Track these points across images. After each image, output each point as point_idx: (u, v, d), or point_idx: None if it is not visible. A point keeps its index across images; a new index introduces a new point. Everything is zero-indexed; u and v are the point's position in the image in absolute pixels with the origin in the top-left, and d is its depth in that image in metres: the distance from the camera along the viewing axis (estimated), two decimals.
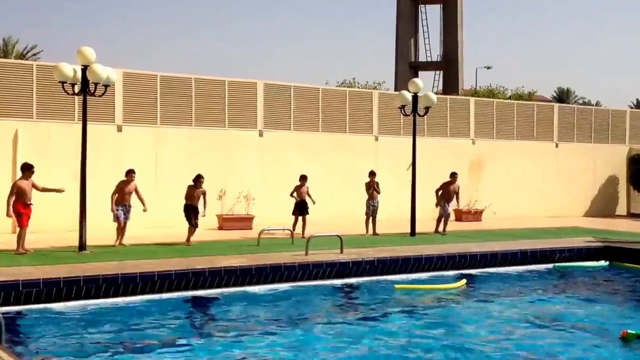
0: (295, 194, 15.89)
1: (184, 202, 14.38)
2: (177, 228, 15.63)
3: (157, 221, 16.50)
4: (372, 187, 16.53)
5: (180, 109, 17.58)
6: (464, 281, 12.32)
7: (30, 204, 12.44)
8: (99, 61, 12.70)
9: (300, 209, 15.78)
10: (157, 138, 17.26)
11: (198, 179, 14.34)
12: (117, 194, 13.66)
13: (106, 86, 13.15)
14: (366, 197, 16.60)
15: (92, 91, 12.83)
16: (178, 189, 17.27)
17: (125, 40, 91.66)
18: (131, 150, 16.89)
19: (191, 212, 14.23)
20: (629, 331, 8.71)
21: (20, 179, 12.51)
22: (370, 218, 16.46)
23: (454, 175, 17.17)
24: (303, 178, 16.06)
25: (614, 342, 8.63)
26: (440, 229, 16.84)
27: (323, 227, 15.51)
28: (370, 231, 16.38)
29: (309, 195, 16.05)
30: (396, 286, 11.66)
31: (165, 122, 17.39)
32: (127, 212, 13.78)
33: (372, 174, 16.64)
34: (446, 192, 16.94)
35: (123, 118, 16.88)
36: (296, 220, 15.81)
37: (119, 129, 16.86)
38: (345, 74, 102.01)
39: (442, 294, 11.51)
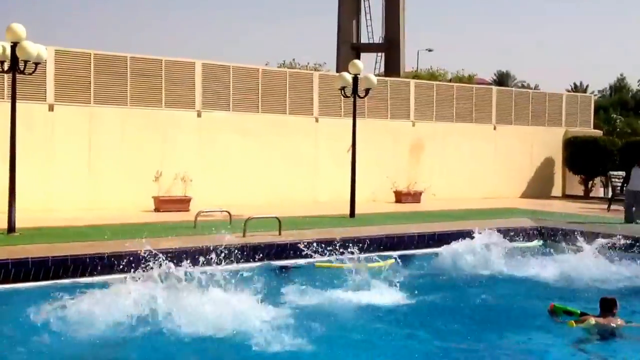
0: None
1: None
2: (110, 210, 15.32)
3: (90, 202, 16.14)
4: None
5: (115, 88, 17.13)
6: (391, 261, 12.36)
7: None
8: (29, 38, 12.29)
9: None
10: (90, 117, 16.79)
11: None
12: None
13: (37, 64, 12.79)
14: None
15: (22, 69, 12.45)
16: (112, 169, 16.97)
17: (58, 16, 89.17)
18: (63, 129, 16.43)
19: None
20: (556, 304, 8.88)
21: None
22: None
23: None
24: None
25: (543, 317, 8.81)
26: None
27: (262, 209, 15.39)
28: None
29: None
30: (317, 264, 11.71)
31: (99, 101, 16.92)
32: None
33: None
34: None
35: (55, 97, 16.37)
36: None
37: (51, 108, 16.34)
38: (286, 54, 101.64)
39: (371, 272, 11.54)
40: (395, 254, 12.98)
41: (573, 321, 8.38)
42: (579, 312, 8.77)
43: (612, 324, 8.44)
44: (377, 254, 12.98)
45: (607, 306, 8.61)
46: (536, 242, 14.82)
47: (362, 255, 12.70)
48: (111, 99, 17.08)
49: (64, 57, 16.47)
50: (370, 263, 12.09)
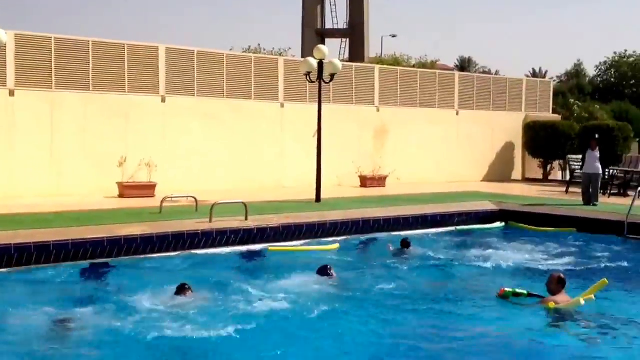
0: None
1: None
2: (74, 196, 15.14)
3: (53, 189, 15.94)
4: None
5: (77, 73, 16.86)
6: (336, 245, 12.51)
7: None
8: None
9: None
10: (52, 103, 16.53)
11: None
12: None
13: None
14: None
15: None
16: (75, 155, 16.77)
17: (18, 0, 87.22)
18: (25, 115, 16.16)
19: None
20: (506, 289, 8.95)
21: None
22: None
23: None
24: None
25: (491, 300, 8.96)
26: None
27: (228, 195, 15.38)
28: None
29: None
30: (270, 248, 11.88)
31: (61, 86, 16.65)
32: None
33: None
34: None
35: (15, 82, 16.07)
36: None
37: (11, 94, 16.05)
38: (251, 39, 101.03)
39: (319, 255, 11.69)
40: (364, 237, 13.24)
41: (553, 302, 8.44)
42: (526, 293, 8.88)
43: (575, 302, 8.57)
44: (343, 238, 13.19)
45: (564, 283, 8.79)
46: (498, 225, 15.11)
47: (329, 239, 12.97)
48: (73, 83, 16.82)
49: (24, 41, 16.15)
50: (316, 246, 12.34)
